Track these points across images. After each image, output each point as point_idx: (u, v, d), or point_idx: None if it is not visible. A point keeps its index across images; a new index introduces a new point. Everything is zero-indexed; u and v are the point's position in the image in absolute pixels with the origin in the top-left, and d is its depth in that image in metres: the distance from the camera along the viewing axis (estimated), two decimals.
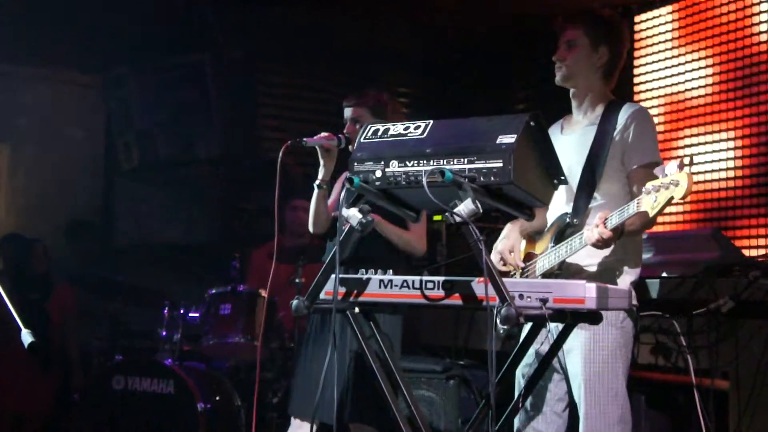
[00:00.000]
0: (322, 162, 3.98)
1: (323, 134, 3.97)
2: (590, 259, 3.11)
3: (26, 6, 6.21)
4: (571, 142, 3.26)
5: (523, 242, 3.34)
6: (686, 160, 2.69)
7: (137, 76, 7.09)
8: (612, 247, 3.01)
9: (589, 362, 3.09)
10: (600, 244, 2.93)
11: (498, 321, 2.25)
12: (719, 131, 5.59)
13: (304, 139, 3.87)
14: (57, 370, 6.08)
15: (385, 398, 2.64)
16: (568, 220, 3.16)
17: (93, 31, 6.62)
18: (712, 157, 5.61)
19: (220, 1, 6.59)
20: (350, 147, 4.06)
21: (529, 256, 3.29)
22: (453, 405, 4.50)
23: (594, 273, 3.11)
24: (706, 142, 5.67)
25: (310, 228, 4.11)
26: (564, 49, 3.26)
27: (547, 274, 3.13)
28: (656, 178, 2.74)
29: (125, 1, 6.33)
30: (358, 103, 4.13)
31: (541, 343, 2.96)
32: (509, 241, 3.31)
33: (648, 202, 2.75)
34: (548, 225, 3.27)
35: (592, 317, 2.61)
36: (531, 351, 3.04)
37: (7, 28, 6.24)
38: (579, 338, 3.01)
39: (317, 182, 4.00)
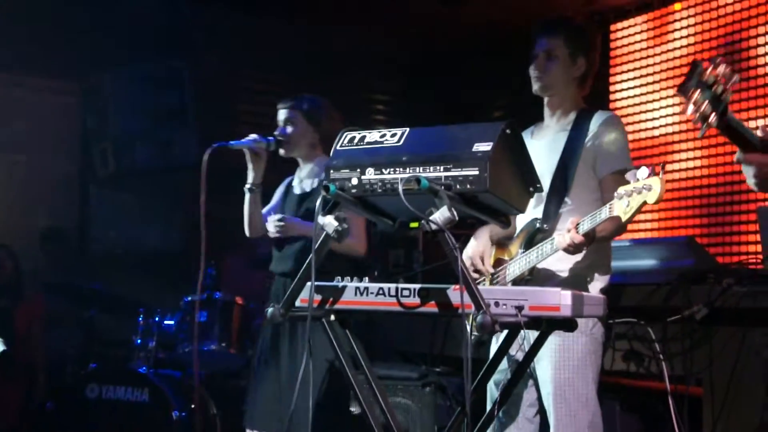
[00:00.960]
0: (250, 165, 3.95)
1: (252, 136, 3.94)
2: (561, 264, 3.12)
3: (0, 12, 6.16)
4: (541, 148, 3.26)
5: (494, 248, 3.35)
6: (658, 167, 2.71)
7: (114, 82, 7.05)
8: (583, 253, 3.03)
9: (559, 369, 3.10)
10: (571, 249, 2.94)
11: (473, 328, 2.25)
12: (694, 139, 5.64)
13: (231, 142, 3.84)
14: (21, 379, 6.00)
15: (360, 406, 2.63)
16: (538, 225, 3.17)
17: (69, 37, 6.58)
18: (687, 165, 5.66)
19: (198, 6, 6.58)
20: (281, 150, 4.03)
21: (498, 262, 3.29)
22: (429, 412, 4.49)
23: (564, 279, 3.12)
24: (680, 150, 5.72)
25: (247, 232, 4.09)
26: (543, 60, 3.24)
27: (517, 280, 3.14)
28: (627, 184, 2.76)
29: (101, 7, 6.29)
30: (293, 106, 4.10)
31: (516, 351, 2.97)
32: (479, 247, 3.31)
33: (620, 206, 2.76)
34: (518, 230, 3.28)
35: (568, 324, 2.61)
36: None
37: None
38: (549, 345, 3.01)
39: (248, 186, 3.97)
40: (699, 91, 2.24)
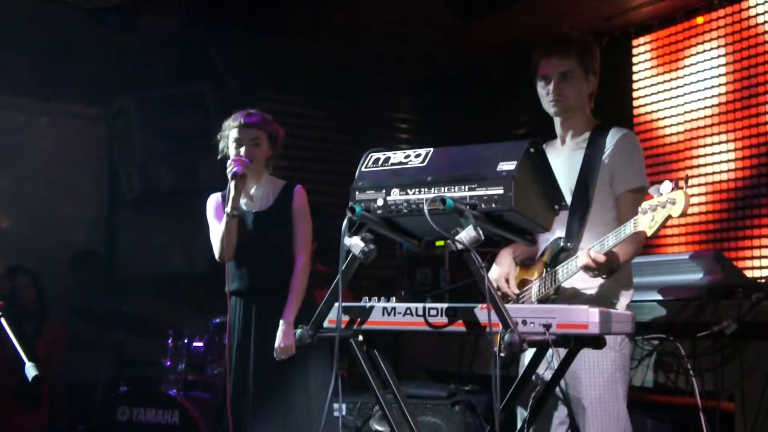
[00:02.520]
0: (237, 190, 3.92)
1: (237, 159, 3.93)
2: (586, 282, 3.11)
3: (29, 39, 6.26)
4: (557, 167, 3.25)
5: (517, 269, 3.34)
6: (681, 180, 2.72)
7: (139, 107, 7.12)
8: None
9: (589, 386, 3.09)
10: (593, 268, 2.92)
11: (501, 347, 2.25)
12: (719, 153, 5.61)
13: (238, 171, 3.88)
14: (45, 405, 6.02)
15: (389, 425, 2.64)
16: (562, 244, 3.17)
17: (94, 63, 6.67)
18: (713, 179, 5.63)
19: (220, 31, 6.64)
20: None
21: (523, 282, 3.28)
22: (458, 431, 4.49)
23: (590, 296, 3.11)
24: (706, 164, 5.69)
25: (219, 257, 4.02)
26: (559, 82, 3.23)
27: (543, 299, 3.14)
28: (643, 201, 2.77)
29: (126, 34, 6.38)
30: (259, 126, 4.07)
31: (545, 369, 2.96)
32: (503, 269, 3.30)
33: (645, 221, 2.76)
34: (541, 250, 3.27)
35: (596, 342, 2.61)
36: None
37: (10, 62, 6.29)
38: (578, 363, 2.99)
39: (232, 210, 3.91)
40: None
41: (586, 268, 2.94)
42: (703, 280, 3.80)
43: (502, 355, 2.27)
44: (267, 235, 4.06)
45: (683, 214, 2.69)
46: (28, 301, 6.14)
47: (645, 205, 2.78)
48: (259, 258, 4.03)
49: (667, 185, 2.72)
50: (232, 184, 3.91)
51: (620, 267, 3.02)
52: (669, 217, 2.71)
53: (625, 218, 2.97)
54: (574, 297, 3.12)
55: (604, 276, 3.01)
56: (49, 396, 6.02)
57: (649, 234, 2.78)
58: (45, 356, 5.99)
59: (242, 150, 4.01)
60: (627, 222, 2.87)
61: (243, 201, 4.10)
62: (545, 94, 3.27)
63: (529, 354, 3.00)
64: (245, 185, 4.03)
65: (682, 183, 2.71)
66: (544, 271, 3.17)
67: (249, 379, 3.98)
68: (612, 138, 3.21)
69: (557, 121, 3.35)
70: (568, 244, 3.14)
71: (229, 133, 4.08)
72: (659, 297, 3.86)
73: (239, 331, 4.04)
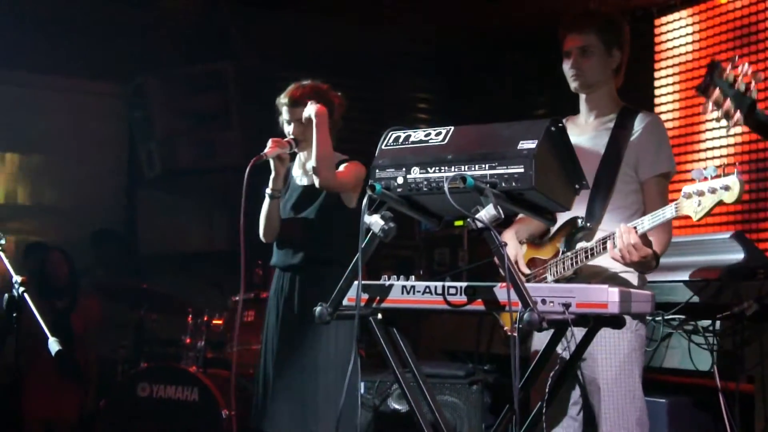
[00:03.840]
0: (275, 171, 3.91)
1: (276, 140, 3.90)
2: (605, 261, 3.08)
3: (49, 16, 6.28)
4: (580, 145, 3.22)
5: (524, 247, 3.32)
6: (732, 165, 2.61)
7: (159, 84, 7.14)
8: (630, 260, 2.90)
9: (605, 367, 3.08)
10: (625, 251, 2.86)
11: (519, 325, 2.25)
12: (741, 134, 5.56)
13: (264, 153, 3.83)
14: (80, 379, 6.10)
15: (409, 404, 2.65)
16: (580, 223, 3.14)
17: (114, 40, 6.68)
18: (735, 160, 5.59)
19: (240, 9, 6.63)
20: (295, 150, 3.98)
21: (533, 261, 3.26)
22: (476, 410, 4.50)
23: (610, 275, 3.09)
24: (728, 145, 5.65)
25: (263, 237, 4.02)
26: (578, 56, 3.20)
27: (560, 280, 3.11)
28: (667, 187, 2.72)
29: (146, 11, 6.38)
30: (305, 102, 3.95)
31: (563, 350, 2.95)
32: (511, 250, 3.25)
33: (690, 206, 2.67)
34: (555, 228, 3.24)
35: (615, 322, 2.60)
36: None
37: (30, 38, 6.32)
38: (594, 343, 2.95)
39: (271, 191, 3.93)
40: (719, 89, 2.25)
41: (622, 249, 2.85)
42: (724, 261, 3.77)
43: (515, 333, 2.27)
44: (309, 209, 4.01)
45: (737, 202, 2.58)
46: (60, 277, 6.19)
47: (689, 188, 2.66)
48: (300, 232, 4.00)
49: (711, 170, 2.60)
50: (271, 165, 3.91)
51: (658, 261, 2.95)
52: (720, 203, 2.60)
53: (652, 204, 2.95)
54: (592, 276, 3.10)
55: (640, 270, 2.98)
56: (84, 371, 6.08)
57: (695, 219, 2.67)
58: (80, 333, 6.06)
59: (290, 129, 3.97)
60: (666, 206, 2.80)
61: (298, 173, 4.08)
62: (567, 69, 3.25)
63: (538, 334, 2.98)
64: (284, 165, 3.96)
65: (731, 168, 2.57)
66: (561, 250, 3.15)
67: (271, 353, 3.99)
68: (640, 122, 3.17)
69: (581, 97, 3.32)
70: (587, 224, 3.12)
71: (282, 110, 4.05)
72: (679, 277, 3.84)
73: (278, 304, 4.02)
